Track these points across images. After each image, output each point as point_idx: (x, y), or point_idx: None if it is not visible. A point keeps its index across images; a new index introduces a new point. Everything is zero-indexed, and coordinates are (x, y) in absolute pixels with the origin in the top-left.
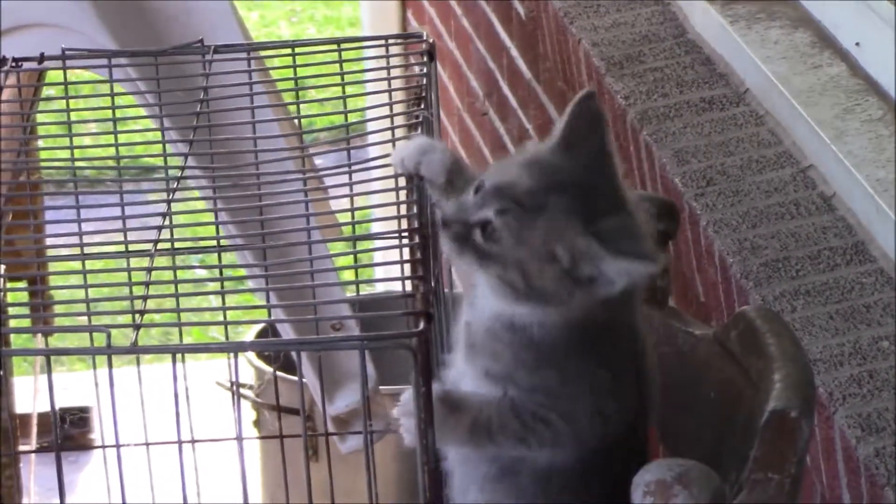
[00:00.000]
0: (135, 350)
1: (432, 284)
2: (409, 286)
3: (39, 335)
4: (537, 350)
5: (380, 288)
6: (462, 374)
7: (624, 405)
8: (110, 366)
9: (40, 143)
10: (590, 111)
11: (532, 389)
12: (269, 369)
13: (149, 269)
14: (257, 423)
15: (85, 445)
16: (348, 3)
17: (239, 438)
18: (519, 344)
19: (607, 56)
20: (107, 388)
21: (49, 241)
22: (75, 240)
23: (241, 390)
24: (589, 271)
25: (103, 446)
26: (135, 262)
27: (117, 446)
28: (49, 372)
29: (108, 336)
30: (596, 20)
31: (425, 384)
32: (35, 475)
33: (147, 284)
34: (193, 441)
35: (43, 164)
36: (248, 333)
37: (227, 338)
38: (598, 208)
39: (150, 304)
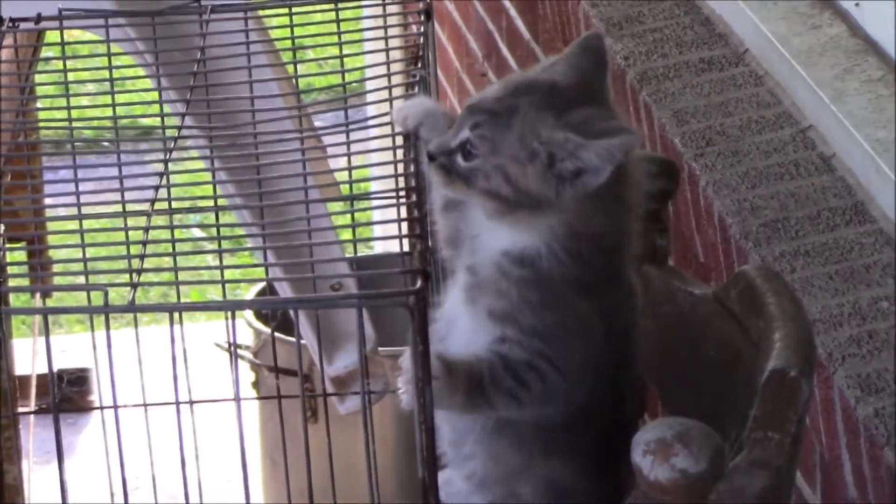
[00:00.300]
0: (132, 308)
1: (429, 243)
2: (406, 245)
3: (38, 296)
4: (542, 288)
5: (377, 247)
6: (453, 320)
7: (613, 362)
8: (108, 325)
9: (38, 104)
10: (595, 49)
11: (531, 332)
12: (266, 330)
13: (146, 229)
14: (255, 384)
15: (83, 407)
16: None
17: (237, 399)
18: (525, 281)
19: (606, 16)
20: (104, 350)
21: (47, 202)
22: (73, 200)
23: (239, 351)
24: (572, 164)
25: (101, 407)
26: (132, 222)
27: (115, 407)
28: (47, 332)
29: (106, 295)
30: None
31: (423, 343)
32: (34, 437)
33: (144, 244)
34: (191, 402)
35: (41, 125)
36: (247, 294)
37: (224, 298)
38: (569, 102)
39: (148, 264)
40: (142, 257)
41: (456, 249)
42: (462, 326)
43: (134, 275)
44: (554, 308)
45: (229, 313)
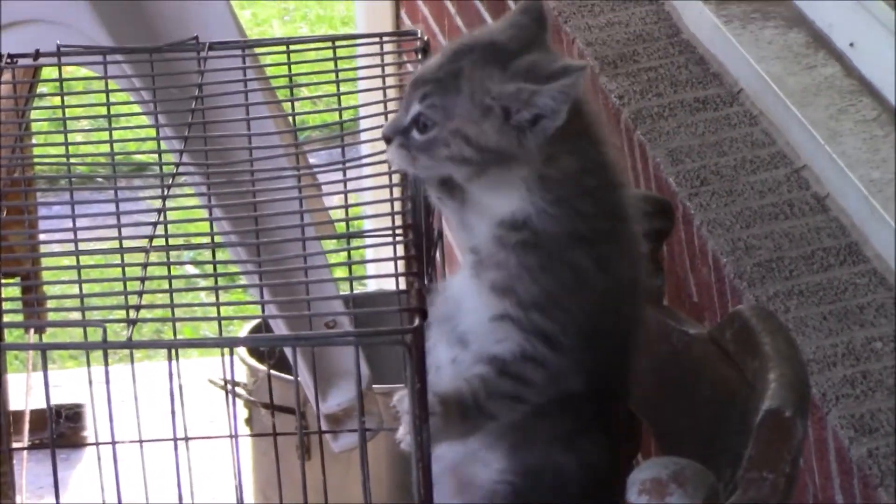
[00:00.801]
0: (130, 345)
1: (426, 281)
2: (402, 283)
3: (32, 331)
4: (539, 248)
5: (371, 285)
6: (461, 300)
7: (619, 318)
8: (106, 361)
9: (34, 139)
10: (534, 9)
11: (531, 304)
12: (261, 367)
13: (143, 265)
14: (249, 421)
15: (78, 442)
16: (341, 1)
17: (234, 436)
18: (523, 244)
19: (601, 55)
20: (100, 385)
21: (43, 238)
22: (68, 235)
23: (234, 388)
24: (528, 113)
25: (97, 443)
26: (129, 258)
27: (112, 443)
28: (45, 368)
29: (104, 331)
30: (590, 19)
31: (420, 381)
32: (26, 472)
33: (142, 280)
34: (187, 438)
35: (37, 160)
36: (241, 331)
37: (220, 335)
38: (512, 53)
39: (145, 300)
40: (140, 293)
41: (465, 233)
42: (469, 305)
43: (132, 311)
44: (552, 268)
45: (226, 350)
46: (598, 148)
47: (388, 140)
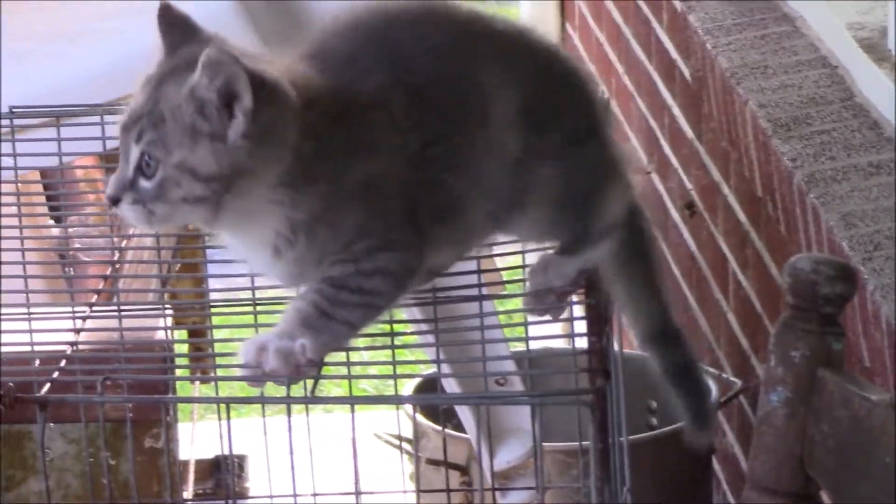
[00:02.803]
0: (311, 400)
1: (604, 341)
2: (572, 342)
3: (198, 383)
4: (311, 202)
5: (535, 344)
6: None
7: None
8: (289, 414)
9: None
10: (172, 18)
11: (335, 225)
12: (426, 422)
13: None
14: (413, 477)
15: (242, 494)
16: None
17: (416, 491)
18: (300, 216)
19: (774, 118)
20: (271, 437)
21: (216, 295)
22: (246, 290)
23: (403, 443)
24: (213, 105)
25: (271, 496)
26: None
27: (294, 496)
28: (228, 419)
29: (288, 385)
30: (763, 81)
31: (602, 440)
32: None
33: None
34: (357, 492)
35: None
36: (404, 388)
37: (396, 391)
38: (185, 63)
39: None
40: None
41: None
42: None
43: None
44: (347, 201)
45: (408, 407)
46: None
47: (115, 201)
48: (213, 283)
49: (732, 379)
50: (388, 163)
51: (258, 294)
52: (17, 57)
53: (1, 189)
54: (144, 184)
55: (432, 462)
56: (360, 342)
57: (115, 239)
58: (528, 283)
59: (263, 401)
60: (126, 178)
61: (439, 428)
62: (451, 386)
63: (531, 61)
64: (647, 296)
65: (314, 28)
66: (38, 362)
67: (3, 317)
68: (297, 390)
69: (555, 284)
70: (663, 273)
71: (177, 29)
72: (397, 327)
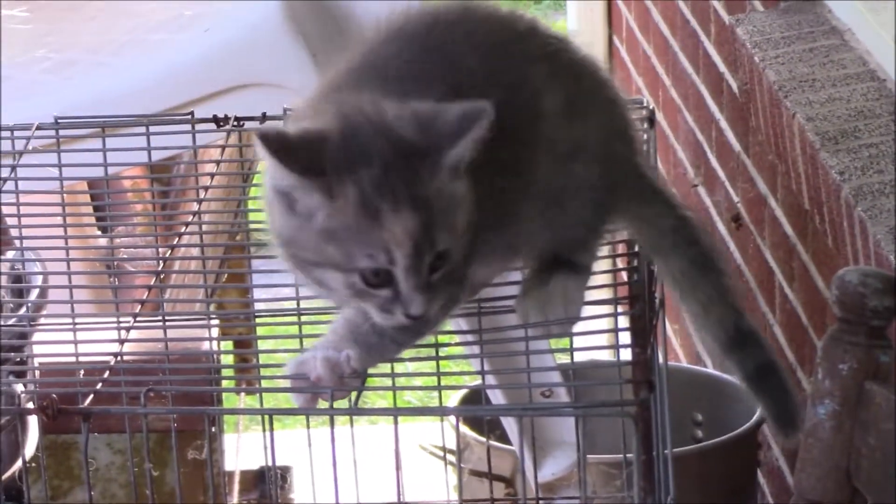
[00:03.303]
0: (355, 411)
1: (649, 353)
2: (617, 353)
3: (243, 394)
4: None
5: (580, 356)
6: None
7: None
8: (332, 426)
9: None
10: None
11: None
12: (472, 434)
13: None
14: (457, 488)
15: None
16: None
17: (461, 502)
18: None
19: (822, 131)
20: (317, 447)
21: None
22: (291, 300)
23: (447, 455)
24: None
25: None
26: None
27: None
28: (272, 430)
29: (332, 396)
30: (811, 95)
31: (646, 452)
32: None
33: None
34: None
35: (258, 224)
36: (449, 399)
37: (440, 402)
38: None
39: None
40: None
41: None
42: None
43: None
44: None
45: (451, 418)
46: None
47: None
48: (258, 294)
49: None
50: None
51: (303, 304)
52: (63, 67)
53: (47, 199)
54: (436, 276)
55: (476, 473)
56: (404, 354)
57: (161, 249)
58: (546, 313)
59: (308, 412)
60: (422, 277)
61: (483, 439)
62: (496, 397)
63: (568, 59)
64: (719, 304)
65: (358, 31)
66: (82, 373)
67: (48, 327)
68: (342, 402)
69: (574, 314)
70: (731, 279)
71: (300, 152)
72: (442, 338)
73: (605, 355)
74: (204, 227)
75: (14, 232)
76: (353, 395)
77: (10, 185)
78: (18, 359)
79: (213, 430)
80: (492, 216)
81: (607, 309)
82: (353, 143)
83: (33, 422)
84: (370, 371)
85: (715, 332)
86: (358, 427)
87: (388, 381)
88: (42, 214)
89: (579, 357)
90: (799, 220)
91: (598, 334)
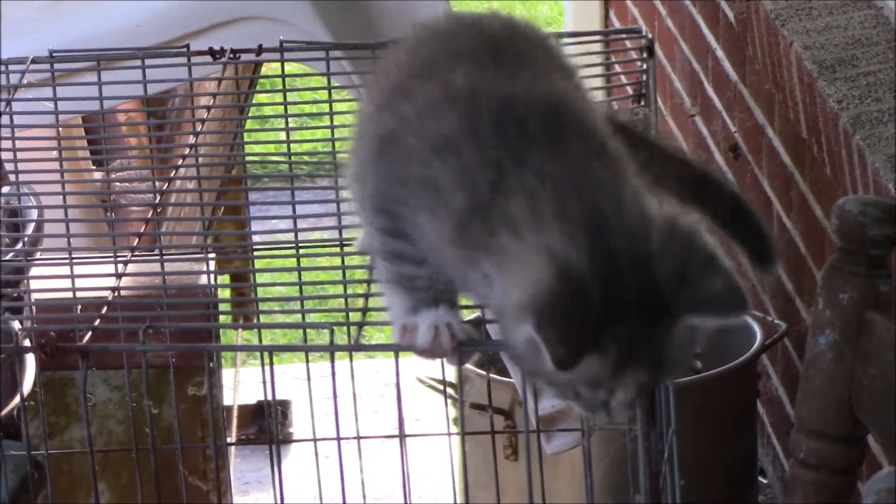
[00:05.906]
0: (356, 347)
1: None
2: None
3: (240, 329)
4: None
5: None
6: None
7: None
8: (332, 362)
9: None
10: None
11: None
12: (471, 367)
13: (369, 268)
14: (456, 421)
15: (285, 439)
16: (546, 2)
17: (462, 434)
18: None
19: (819, 59)
20: (315, 382)
21: (259, 237)
22: (288, 234)
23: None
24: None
25: (315, 439)
26: (348, 258)
27: (338, 439)
28: (271, 366)
29: (332, 333)
30: (808, 23)
31: None
32: (232, 469)
33: (368, 283)
34: (402, 435)
35: (253, 157)
36: None
37: None
38: None
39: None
40: (366, 296)
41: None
42: None
43: (357, 314)
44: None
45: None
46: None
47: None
48: (255, 227)
49: (777, 322)
50: None
51: (300, 237)
52: (57, 3)
53: (42, 134)
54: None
55: (476, 406)
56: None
57: (157, 183)
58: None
59: (307, 349)
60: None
61: (483, 372)
62: (495, 330)
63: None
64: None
65: (395, 33)
66: (79, 309)
67: (44, 262)
68: (341, 337)
69: None
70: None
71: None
72: None
73: None
74: (200, 161)
75: (9, 167)
76: (354, 330)
77: (5, 120)
78: (15, 294)
79: (211, 365)
80: None
81: None
82: (611, 290)
83: (30, 359)
84: (370, 305)
85: (679, 180)
86: (356, 361)
87: (386, 316)
88: (38, 148)
89: None
90: (797, 149)
91: None
